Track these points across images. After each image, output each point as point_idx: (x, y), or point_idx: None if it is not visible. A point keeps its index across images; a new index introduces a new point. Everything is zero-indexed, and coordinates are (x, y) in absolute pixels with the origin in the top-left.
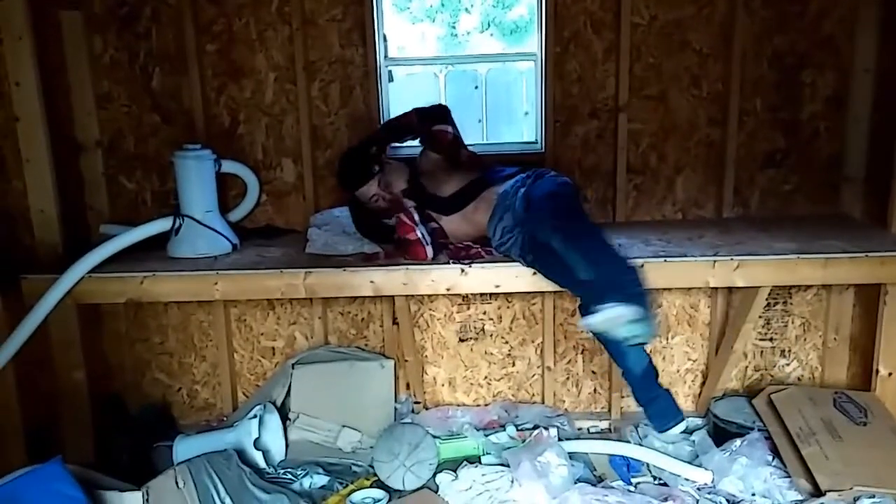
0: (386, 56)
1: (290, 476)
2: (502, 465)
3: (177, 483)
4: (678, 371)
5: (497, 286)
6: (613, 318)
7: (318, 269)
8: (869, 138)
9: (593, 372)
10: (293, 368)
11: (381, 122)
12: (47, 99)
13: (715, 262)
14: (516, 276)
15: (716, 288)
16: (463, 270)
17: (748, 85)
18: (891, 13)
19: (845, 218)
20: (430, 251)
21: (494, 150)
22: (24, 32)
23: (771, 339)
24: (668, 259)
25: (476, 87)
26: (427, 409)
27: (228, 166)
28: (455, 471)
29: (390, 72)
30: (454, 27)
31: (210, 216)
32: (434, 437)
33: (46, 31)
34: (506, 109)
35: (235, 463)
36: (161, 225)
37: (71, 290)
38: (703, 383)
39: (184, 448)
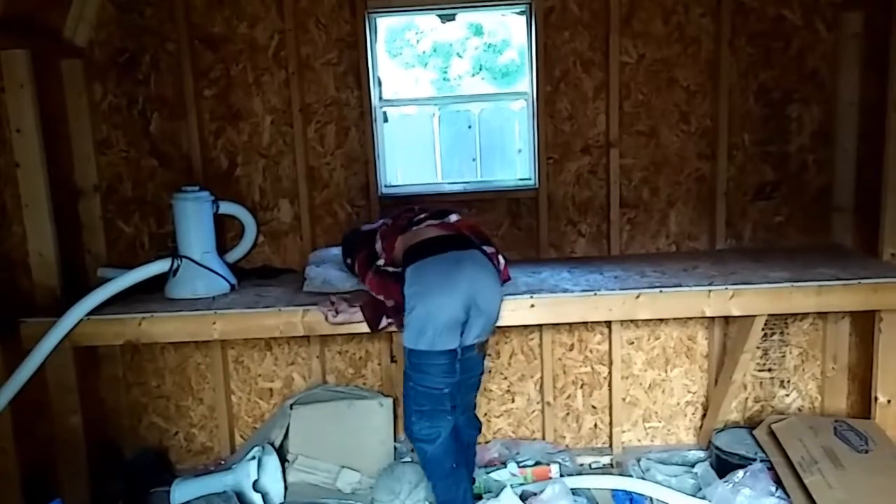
0: (381, 98)
1: None
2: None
3: None
4: (678, 403)
5: None
6: None
7: (316, 307)
8: (857, 169)
9: (593, 406)
10: (291, 409)
11: (377, 161)
12: (47, 145)
13: (710, 291)
14: (513, 310)
15: (713, 319)
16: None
17: (736, 120)
18: (873, 47)
19: (837, 247)
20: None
21: (489, 187)
22: (25, 81)
23: (770, 370)
24: (663, 290)
25: (469, 127)
26: None
27: (226, 207)
28: None
29: (385, 113)
30: (446, 72)
31: (208, 257)
32: None
33: (48, 79)
34: (499, 148)
35: None
36: (159, 266)
37: (69, 332)
38: (703, 415)
39: (182, 491)
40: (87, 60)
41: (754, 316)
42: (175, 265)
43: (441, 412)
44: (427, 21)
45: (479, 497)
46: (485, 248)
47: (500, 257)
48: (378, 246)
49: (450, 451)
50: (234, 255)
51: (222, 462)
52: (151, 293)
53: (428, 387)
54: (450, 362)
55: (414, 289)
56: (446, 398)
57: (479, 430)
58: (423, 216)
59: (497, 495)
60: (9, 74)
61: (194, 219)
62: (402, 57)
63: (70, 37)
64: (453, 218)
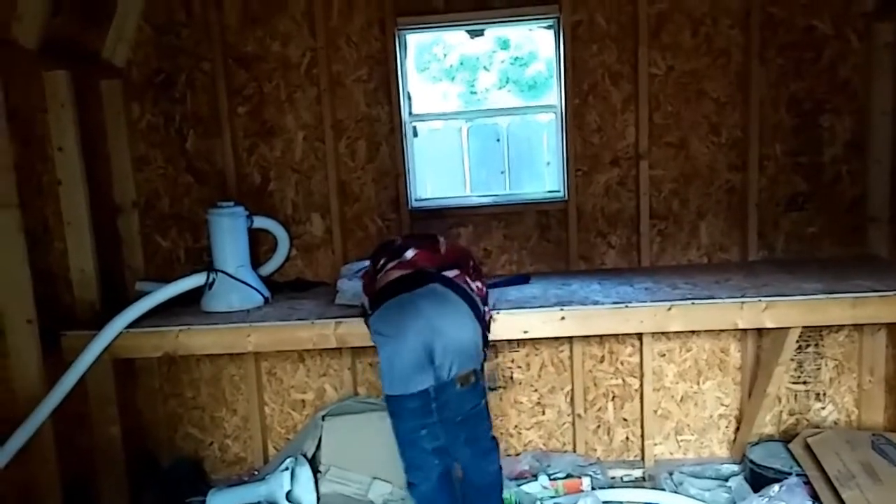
0: (410, 113)
1: None
2: None
3: None
4: (711, 416)
5: (525, 332)
6: None
7: (348, 319)
8: (891, 179)
9: (624, 419)
10: (323, 420)
11: (407, 175)
12: (87, 163)
13: (743, 303)
14: (543, 322)
15: (745, 331)
16: (491, 317)
17: (767, 131)
18: None
19: (872, 258)
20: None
21: (518, 199)
22: (66, 101)
23: (805, 383)
24: (695, 302)
25: (498, 140)
26: None
27: (260, 222)
28: None
29: (415, 127)
30: (473, 85)
31: (242, 271)
32: None
33: (88, 99)
34: (528, 160)
35: None
36: (195, 280)
37: (109, 345)
38: (737, 429)
39: (217, 501)
40: (125, 80)
41: (788, 328)
42: (211, 279)
43: (424, 455)
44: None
45: None
46: (448, 272)
47: (468, 278)
48: (365, 301)
49: (442, 496)
50: (268, 268)
51: (255, 472)
52: (188, 306)
53: (406, 431)
54: (423, 404)
55: (374, 337)
56: (425, 440)
57: (495, 469)
58: (383, 261)
59: None
60: (51, 95)
61: (229, 233)
62: (429, 71)
63: (109, 58)
64: (409, 254)
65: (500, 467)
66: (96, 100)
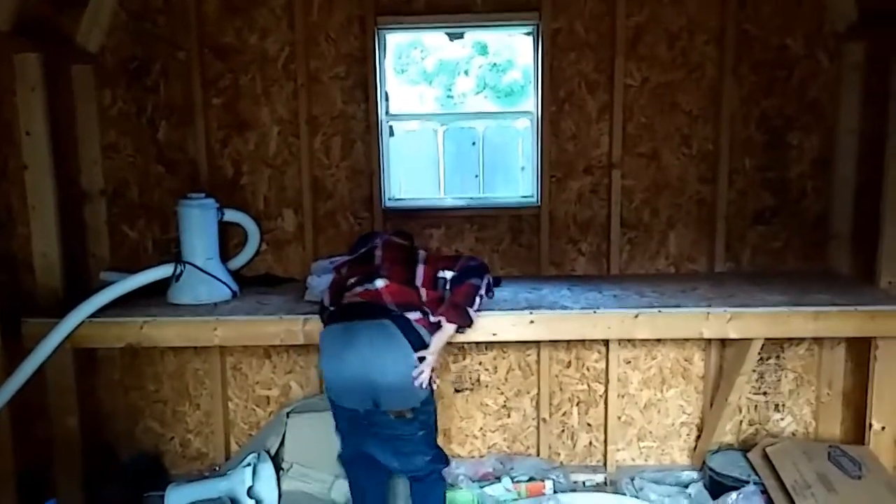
0: (387, 112)
1: None
2: None
3: None
4: (673, 424)
5: (494, 334)
6: None
7: (316, 316)
8: (855, 196)
9: (588, 424)
10: (288, 417)
11: (382, 174)
12: (55, 148)
13: (709, 313)
14: (513, 325)
15: (709, 341)
16: None
17: (737, 145)
18: (873, 77)
19: (834, 274)
20: None
21: (492, 203)
22: (37, 84)
23: (765, 394)
24: (662, 310)
25: (473, 144)
26: None
27: (231, 215)
28: None
29: (391, 127)
30: (450, 89)
31: (211, 263)
32: None
33: (58, 84)
34: (502, 166)
35: None
36: (162, 271)
37: (71, 334)
38: (698, 436)
39: (176, 496)
40: (97, 66)
41: (751, 339)
42: (178, 270)
43: (348, 441)
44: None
45: None
46: (409, 314)
47: (432, 320)
48: (326, 299)
49: (359, 468)
50: (237, 262)
51: (217, 468)
52: (153, 298)
53: (337, 419)
54: (352, 418)
55: (321, 345)
56: (350, 437)
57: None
58: (353, 281)
59: None
60: (21, 77)
61: (199, 225)
62: (407, 74)
63: (83, 42)
64: (379, 284)
65: (436, 472)
66: (67, 84)
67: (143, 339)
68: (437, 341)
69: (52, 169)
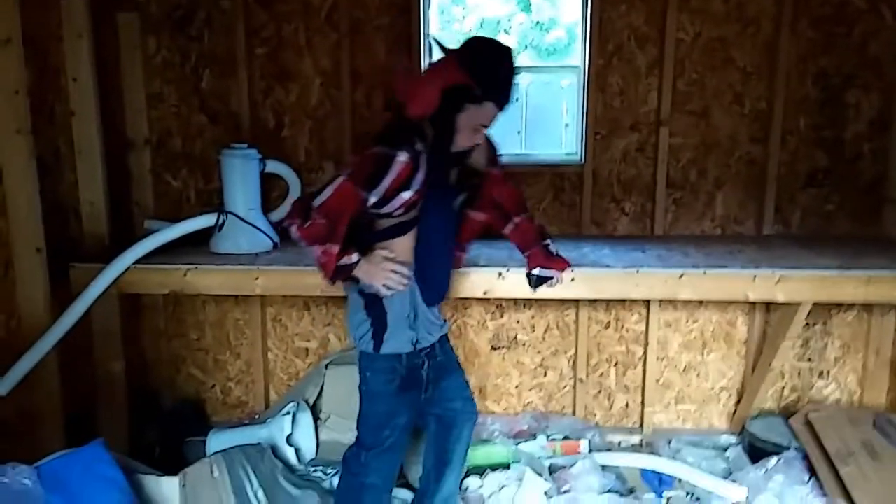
0: (431, 63)
1: (320, 474)
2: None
3: (212, 471)
4: (713, 388)
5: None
6: None
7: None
8: None
9: (626, 386)
10: (326, 369)
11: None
12: (101, 95)
13: (756, 275)
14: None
15: (753, 305)
16: (500, 274)
17: (791, 104)
18: None
19: (888, 239)
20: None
21: (534, 160)
22: (83, 31)
23: (809, 360)
24: (707, 271)
25: (517, 99)
26: None
27: (272, 166)
28: (481, 476)
29: None
30: None
31: (253, 214)
32: None
33: (104, 31)
34: (544, 124)
35: (268, 457)
36: (205, 220)
37: (117, 279)
38: (737, 402)
39: (217, 441)
40: (142, 14)
41: (799, 303)
42: (221, 220)
43: None
44: None
45: (508, 467)
46: None
47: None
48: None
49: None
50: (278, 214)
51: (256, 416)
52: (196, 247)
53: None
54: None
55: None
56: None
57: None
58: None
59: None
60: (68, 24)
61: (241, 176)
62: (448, 32)
63: None
64: None
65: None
66: (112, 32)
67: (185, 286)
68: None
69: (98, 116)
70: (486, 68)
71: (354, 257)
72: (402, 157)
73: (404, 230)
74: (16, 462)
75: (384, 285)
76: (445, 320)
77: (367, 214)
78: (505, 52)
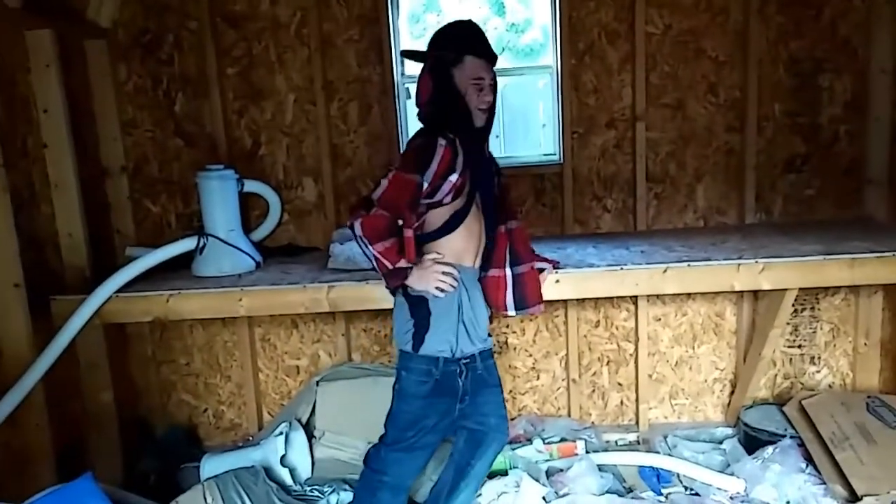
0: (403, 74)
1: (316, 493)
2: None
3: (205, 498)
4: (706, 381)
5: None
6: None
7: (340, 283)
8: (890, 140)
9: (619, 384)
10: (318, 386)
11: (400, 138)
12: (74, 125)
13: (739, 265)
14: None
15: (741, 294)
16: None
17: (765, 91)
18: None
19: (870, 220)
20: None
21: (513, 163)
22: (51, 60)
23: (800, 346)
24: (691, 264)
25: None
26: None
27: (251, 186)
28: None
29: (408, 89)
30: None
31: (233, 235)
32: None
33: (73, 60)
34: (522, 126)
35: (262, 479)
36: (186, 245)
37: (99, 309)
38: (731, 392)
39: (211, 466)
40: (110, 41)
41: (785, 290)
42: (201, 243)
43: None
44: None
45: (505, 473)
46: None
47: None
48: None
49: None
50: (259, 233)
51: (250, 438)
52: (178, 272)
53: None
54: None
55: None
56: None
57: None
58: None
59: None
60: (35, 55)
61: (220, 197)
62: (423, 38)
63: (94, 17)
64: None
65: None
66: (81, 60)
67: (169, 312)
68: None
69: (71, 147)
70: (448, 34)
71: (404, 263)
72: (443, 142)
73: (452, 226)
74: (5, 502)
75: (437, 287)
76: (490, 335)
77: (420, 208)
78: (462, 20)
